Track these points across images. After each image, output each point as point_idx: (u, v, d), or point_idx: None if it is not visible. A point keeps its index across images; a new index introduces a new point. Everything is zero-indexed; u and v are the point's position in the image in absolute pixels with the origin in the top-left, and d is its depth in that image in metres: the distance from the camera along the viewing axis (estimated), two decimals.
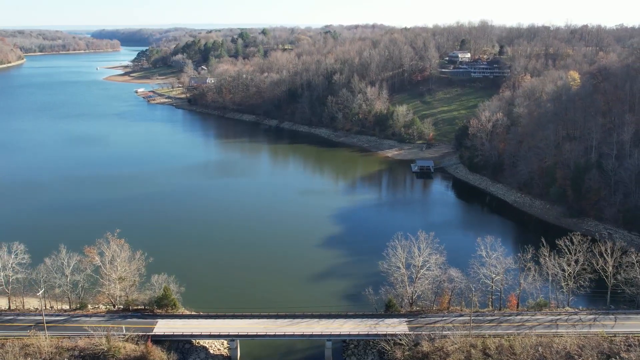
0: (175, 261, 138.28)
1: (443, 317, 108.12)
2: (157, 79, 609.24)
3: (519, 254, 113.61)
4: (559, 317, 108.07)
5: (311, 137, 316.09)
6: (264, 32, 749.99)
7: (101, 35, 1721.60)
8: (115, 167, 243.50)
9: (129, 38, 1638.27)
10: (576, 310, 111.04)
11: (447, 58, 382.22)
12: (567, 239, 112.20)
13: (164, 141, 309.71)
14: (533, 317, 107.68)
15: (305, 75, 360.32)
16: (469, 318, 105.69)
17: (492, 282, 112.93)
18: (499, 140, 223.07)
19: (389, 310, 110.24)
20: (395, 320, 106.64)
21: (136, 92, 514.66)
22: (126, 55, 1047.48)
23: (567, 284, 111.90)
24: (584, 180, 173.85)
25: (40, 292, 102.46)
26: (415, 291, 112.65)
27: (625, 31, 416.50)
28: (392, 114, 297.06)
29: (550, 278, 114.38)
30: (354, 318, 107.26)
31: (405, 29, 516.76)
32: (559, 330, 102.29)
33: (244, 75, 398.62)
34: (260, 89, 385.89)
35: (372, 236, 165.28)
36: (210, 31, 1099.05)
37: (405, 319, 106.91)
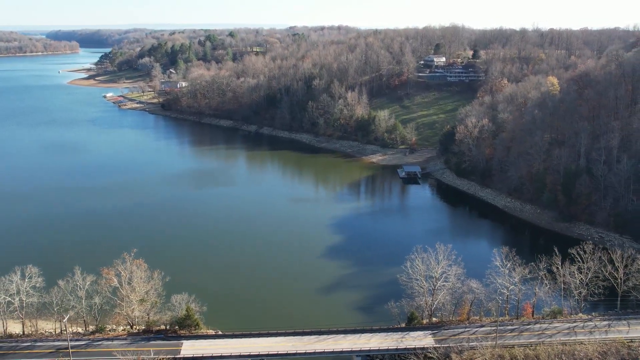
0: (187, 276, 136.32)
1: (465, 328, 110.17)
2: (125, 82, 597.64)
3: (532, 263, 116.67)
4: (574, 324, 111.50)
5: (293, 143, 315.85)
6: (231, 34, 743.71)
7: (57, 36, 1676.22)
8: (103, 176, 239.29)
9: (87, 39, 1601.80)
10: (590, 316, 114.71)
11: (422, 62, 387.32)
12: (580, 248, 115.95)
13: (145, 149, 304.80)
14: (551, 325, 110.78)
15: (284, 80, 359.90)
16: (490, 328, 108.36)
17: (507, 291, 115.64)
18: (486, 145, 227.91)
19: (411, 323, 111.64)
20: (420, 333, 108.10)
21: (105, 96, 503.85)
22: (86, 58, 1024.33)
23: (580, 292, 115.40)
24: (574, 186, 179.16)
25: (66, 317, 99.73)
26: (434, 302, 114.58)
27: (592, 34, 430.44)
28: (373, 119, 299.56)
29: (562, 286, 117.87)
30: (379, 332, 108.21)
31: (376, 31, 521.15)
32: (578, 338, 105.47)
33: (220, 81, 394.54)
34: (236, 94, 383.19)
35: (374, 244, 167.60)
36: (173, 32, 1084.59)
37: (430, 332, 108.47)
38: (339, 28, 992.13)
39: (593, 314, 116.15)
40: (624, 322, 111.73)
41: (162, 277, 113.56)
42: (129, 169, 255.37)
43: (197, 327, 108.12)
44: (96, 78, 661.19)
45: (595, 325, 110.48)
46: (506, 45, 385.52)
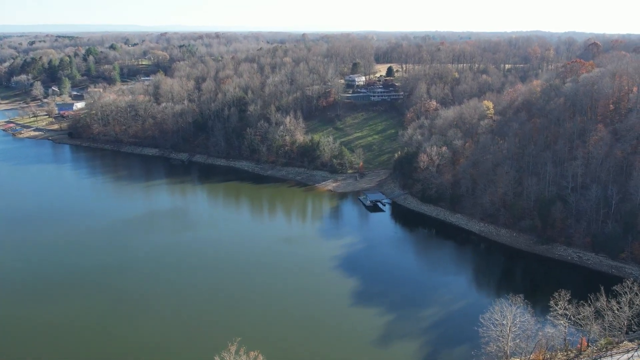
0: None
1: None
2: (1, 104, 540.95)
3: (581, 301, 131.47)
4: (629, 353, 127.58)
5: (236, 172, 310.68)
6: (113, 47, 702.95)
7: None
8: (64, 224, 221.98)
9: None
10: (635, 344, 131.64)
11: (343, 82, 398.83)
12: (622, 284, 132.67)
13: (79, 187, 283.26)
14: (614, 358, 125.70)
15: (214, 105, 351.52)
16: None
17: (566, 329, 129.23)
18: (446, 172, 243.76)
19: None
20: None
21: None
22: None
23: (622, 323, 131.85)
24: (549, 212, 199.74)
25: None
26: (510, 347, 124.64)
27: (484, 44, 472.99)
28: (317, 145, 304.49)
29: (607, 318, 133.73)
30: None
31: (279, 46, 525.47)
32: None
33: (137, 106, 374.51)
34: (157, 120, 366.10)
35: (391, 284, 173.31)
36: (33, 42, 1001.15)
37: None
38: (218, 36, 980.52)
39: (636, 341, 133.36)
40: None
41: None
42: (81, 213, 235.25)
43: None
44: None
45: None
46: (420, 62, 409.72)
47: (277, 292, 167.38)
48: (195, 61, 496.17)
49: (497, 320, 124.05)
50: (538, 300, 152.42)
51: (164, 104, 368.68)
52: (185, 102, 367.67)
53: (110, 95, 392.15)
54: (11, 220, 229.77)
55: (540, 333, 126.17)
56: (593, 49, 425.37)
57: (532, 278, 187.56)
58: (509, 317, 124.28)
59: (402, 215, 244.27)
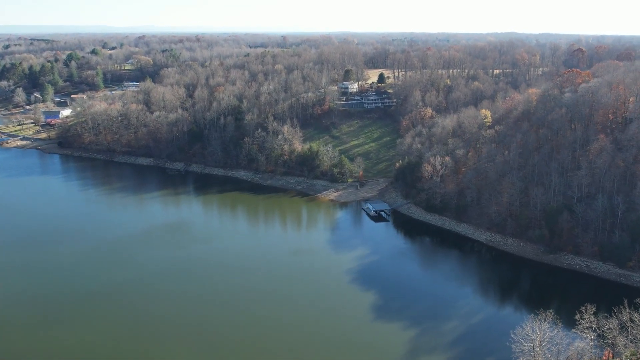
0: None
1: None
2: None
3: (605, 314, 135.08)
4: None
5: (234, 182, 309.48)
6: (94, 51, 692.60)
7: None
8: (57, 243, 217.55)
9: None
10: None
11: (337, 88, 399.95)
12: None
13: (73, 201, 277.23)
14: None
15: (209, 114, 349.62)
16: None
17: (591, 341, 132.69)
18: (449, 181, 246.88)
19: None
20: None
21: None
22: None
23: None
24: (557, 222, 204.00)
25: None
26: None
27: (470, 49, 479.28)
28: (317, 154, 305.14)
29: (631, 330, 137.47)
30: None
31: (266, 51, 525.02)
32: None
33: (130, 115, 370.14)
34: (150, 129, 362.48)
35: (410, 299, 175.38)
36: (8, 46, 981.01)
37: None
38: (198, 39, 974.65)
39: None
40: None
41: None
42: (81, 230, 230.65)
43: None
44: None
45: None
46: (410, 69, 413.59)
47: (299, 311, 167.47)
48: (184, 67, 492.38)
49: (528, 335, 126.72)
50: (555, 309, 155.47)
51: (157, 113, 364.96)
52: (179, 110, 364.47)
53: (101, 104, 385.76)
54: (11, 239, 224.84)
55: (572, 347, 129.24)
56: (578, 55, 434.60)
57: (544, 288, 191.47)
58: (538, 332, 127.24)
59: (407, 225, 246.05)
